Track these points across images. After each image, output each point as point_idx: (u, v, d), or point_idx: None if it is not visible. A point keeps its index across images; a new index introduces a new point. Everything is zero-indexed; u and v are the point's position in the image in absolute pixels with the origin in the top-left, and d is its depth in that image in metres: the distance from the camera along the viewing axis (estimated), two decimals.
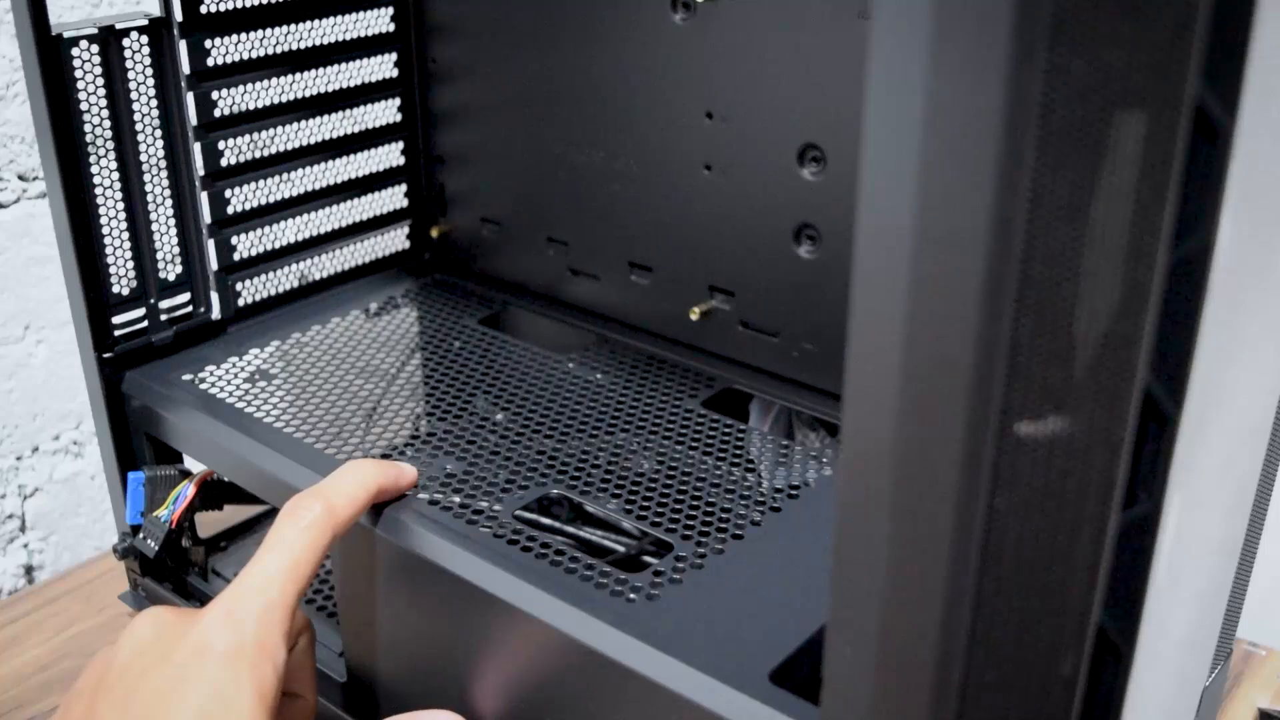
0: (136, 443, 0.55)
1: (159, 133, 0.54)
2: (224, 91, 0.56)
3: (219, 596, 0.39)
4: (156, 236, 0.55)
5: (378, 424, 0.51)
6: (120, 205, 0.54)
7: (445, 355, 0.57)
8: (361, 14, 0.62)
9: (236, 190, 0.58)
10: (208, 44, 0.55)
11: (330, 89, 0.61)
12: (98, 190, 0.53)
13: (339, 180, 0.63)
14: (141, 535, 0.51)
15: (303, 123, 0.60)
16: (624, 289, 0.59)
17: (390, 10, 0.63)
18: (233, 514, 0.59)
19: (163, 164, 0.55)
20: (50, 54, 0.49)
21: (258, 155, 0.59)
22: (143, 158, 0.54)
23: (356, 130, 0.63)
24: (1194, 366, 0.26)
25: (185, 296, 0.57)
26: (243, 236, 0.59)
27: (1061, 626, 0.27)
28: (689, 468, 0.48)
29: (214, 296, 0.59)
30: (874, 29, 0.21)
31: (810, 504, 0.45)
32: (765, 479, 0.48)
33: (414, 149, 0.66)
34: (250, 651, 0.37)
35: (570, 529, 0.45)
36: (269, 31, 0.58)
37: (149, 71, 0.53)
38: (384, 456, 0.49)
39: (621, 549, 0.44)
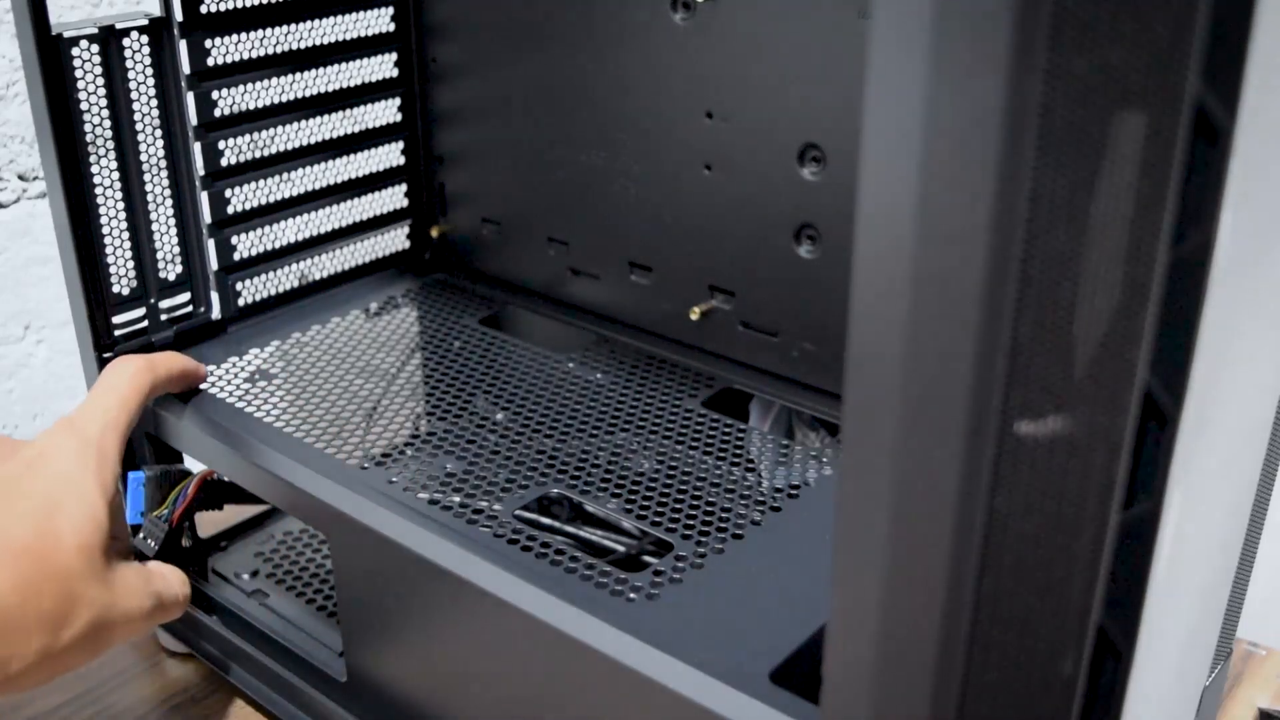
0: (136, 442, 0.55)
1: (159, 132, 0.54)
2: (224, 91, 0.56)
3: (55, 423, 0.45)
4: (156, 236, 0.56)
5: (378, 424, 0.51)
6: (120, 205, 0.54)
7: (445, 355, 0.57)
8: (361, 14, 0.62)
9: (236, 190, 0.58)
10: (208, 44, 0.55)
11: (330, 89, 0.61)
12: (98, 190, 0.53)
13: (339, 180, 0.63)
14: (141, 535, 0.51)
15: (303, 123, 0.60)
16: (624, 289, 0.59)
17: (390, 10, 0.63)
18: (233, 514, 0.59)
19: (163, 164, 0.55)
20: (50, 54, 0.49)
21: (258, 155, 0.59)
22: (143, 157, 0.54)
23: (357, 130, 0.63)
24: (1194, 366, 0.26)
25: (185, 296, 0.57)
26: (243, 236, 0.59)
27: (1061, 626, 0.27)
28: (689, 467, 0.48)
29: (214, 296, 0.59)
30: (874, 29, 0.21)
31: (810, 504, 0.45)
32: (765, 479, 0.48)
33: (414, 149, 0.66)
34: (94, 452, 0.43)
35: (570, 529, 0.45)
36: (269, 31, 0.58)
37: (149, 71, 0.53)
38: (384, 456, 0.49)
39: (621, 549, 0.44)
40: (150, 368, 0.48)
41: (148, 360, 0.49)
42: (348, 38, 0.61)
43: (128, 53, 0.52)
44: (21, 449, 0.43)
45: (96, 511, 0.42)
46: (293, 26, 0.59)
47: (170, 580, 0.46)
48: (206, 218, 0.57)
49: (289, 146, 0.60)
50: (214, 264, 0.58)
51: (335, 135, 0.62)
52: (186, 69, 0.55)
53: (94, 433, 0.44)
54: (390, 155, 0.65)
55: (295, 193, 0.61)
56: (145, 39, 0.53)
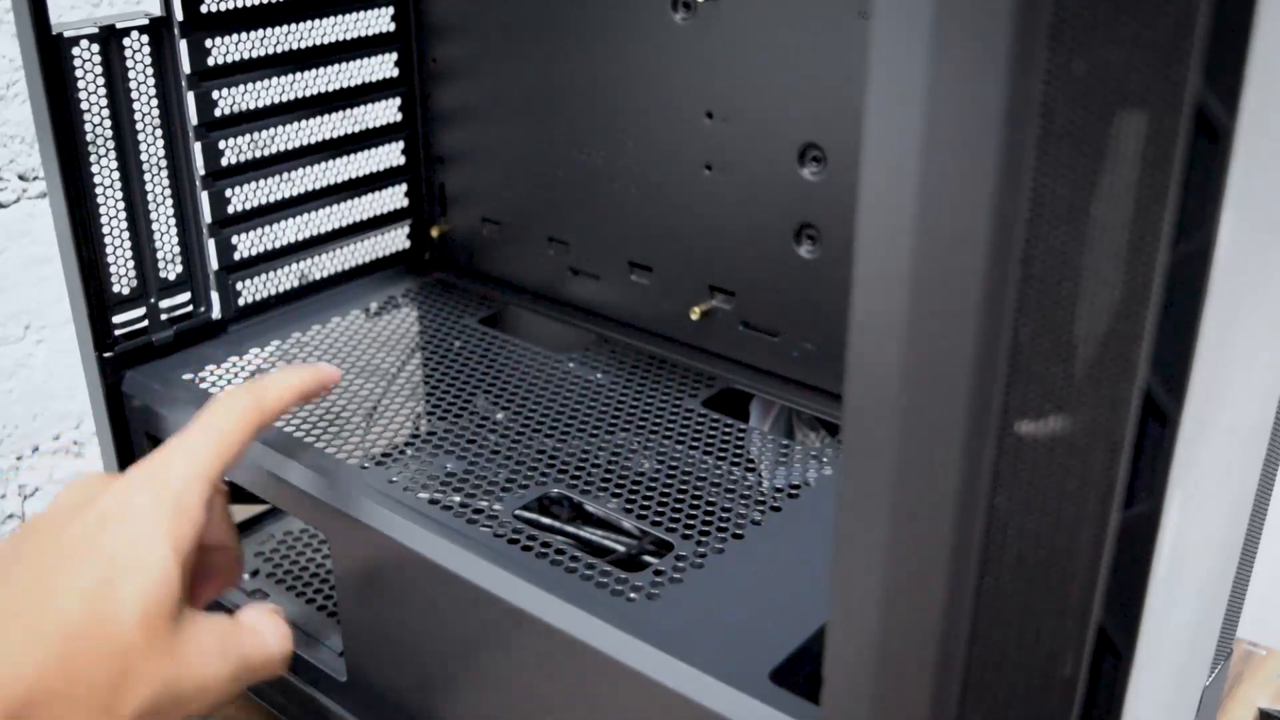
0: (136, 442, 0.55)
1: (159, 132, 0.54)
2: (224, 91, 0.56)
3: (144, 459, 0.41)
4: (157, 236, 0.56)
5: (378, 424, 0.51)
6: (120, 205, 0.54)
7: (445, 355, 0.57)
8: (362, 13, 0.62)
9: (237, 190, 0.58)
10: (208, 43, 0.55)
11: (331, 88, 0.61)
12: (98, 190, 0.53)
13: (339, 180, 0.63)
14: None
15: (303, 122, 0.60)
16: (624, 289, 0.59)
17: (390, 10, 0.63)
18: (233, 514, 0.59)
19: (163, 163, 0.55)
20: (51, 53, 0.49)
21: (258, 155, 0.59)
22: (143, 157, 0.54)
23: (357, 130, 0.63)
24: (1194, 366, 0.26)
25: (185, 296, 0.57)
26: (243, 236, 0.59)
27: (1061, 626, 0.27)
28: (689, 467, 0.48)
29: (214, 296, 0.59)
30: (874, 29, 0.22)
31: (810, 504, 0.45)
32: (765, 478, 0.48)
33: (414, 149, 0.66)
34: (169, 510, 0.39)
35: (570, 528, 0.45)
36: (269, 31, 0.58)
37: (149, 71, 0.53)
38: (384, 456, 0.49)
39: (622, 548, 0.44)
40: (258, 407, 0.43)
41: (256, 397, 0.43)
42: (348, 38, 0.61)
43: (128, 52, 0.52)
44: (99, 499, 0.40)
45: (167, 576, 0.39)
46: (293, 26, 0.59)
47: (263, 636, 0.41)
48: (207, 217, 0.57)
49: (289, 146, 0.60)
50: (214, 264, 0.58)
51: (335, 135, 0.62)
52: (187, 69, 0.55)
53: (177, 484, 0.40)
54: (390, 155, 0.65)
55: (295, 193, 0.61)
56: (145, 39, 0.53)
